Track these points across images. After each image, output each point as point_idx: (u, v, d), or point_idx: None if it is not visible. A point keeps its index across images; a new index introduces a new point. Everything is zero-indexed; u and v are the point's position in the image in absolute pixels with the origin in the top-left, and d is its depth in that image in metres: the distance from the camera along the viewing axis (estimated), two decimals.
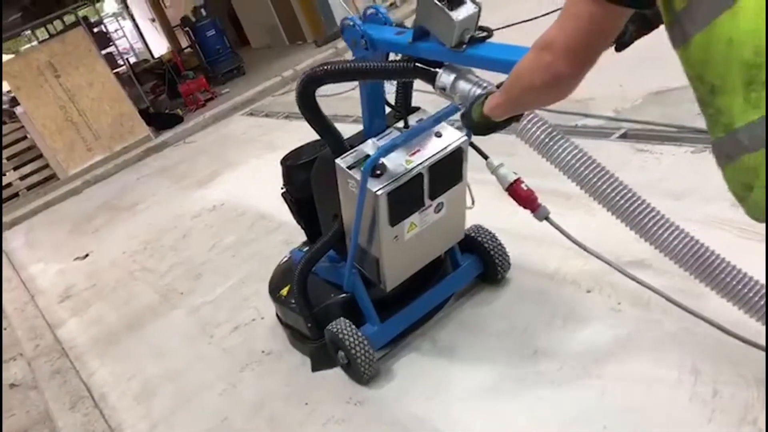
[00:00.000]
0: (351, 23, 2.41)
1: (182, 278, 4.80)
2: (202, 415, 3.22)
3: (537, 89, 1.42)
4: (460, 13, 1.88)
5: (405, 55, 2.21)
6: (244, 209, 5.48)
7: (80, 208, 8.20)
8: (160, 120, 10.45)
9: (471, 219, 3.06)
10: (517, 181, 2.47)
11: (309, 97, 2.53)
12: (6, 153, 9.92)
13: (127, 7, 19.03)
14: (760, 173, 1.17)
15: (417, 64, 2.15)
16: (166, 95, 12.25)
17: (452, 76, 2.01)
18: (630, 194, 1.81)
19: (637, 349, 2.54)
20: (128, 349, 4.16)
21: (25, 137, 10.06)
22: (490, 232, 3.16)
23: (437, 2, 1.89)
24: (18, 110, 9.96)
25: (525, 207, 2.47)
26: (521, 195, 2.46)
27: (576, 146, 1.89)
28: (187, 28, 13.11)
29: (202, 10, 12.65)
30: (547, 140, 1.87)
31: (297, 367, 3.25)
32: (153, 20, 19.29)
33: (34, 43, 13.00)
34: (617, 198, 1.83)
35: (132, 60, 16.01)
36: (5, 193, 9.75)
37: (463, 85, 1.98)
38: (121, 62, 12.91)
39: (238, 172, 6.62)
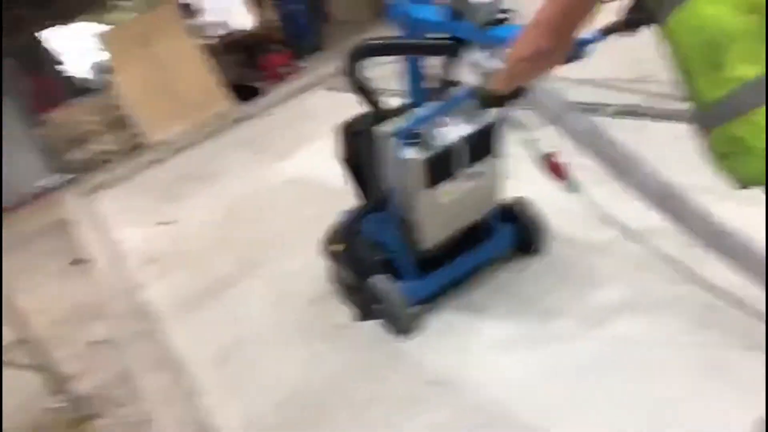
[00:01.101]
0: (399, 2, 2.65)
1: (261, 248, 4.88)
2: (277, 385, 3.27)
3: (525, 60, 1.60)
4: None
5: (444, 32, 2.45)
6: (322, 183, 5.49)
7: (166, 175, 8.43)
8: (242, 92, 10.59)
9: (512, 189, 3.32)
10: (551, 154, 2.58)
11: (355, 69, 2.76)
12: (99, 120, 10.27)
13: None
14: (733, 143, 1.36)
15: (451, 41, 2.39)
16: (249, 68, 12.40)
17: (479, 54, 2.23)
18: (625, 152, 2.10)
19: (649, 311, 2.87)
20: (207, 315, 4.27)
21: (116, 105, 10.40)
22: (531, 205, 3.37)
23: None
24: (111, 79, 10.30)
25: (557, 179, 2.59)
26: (554, 167, 2.58)
27: (581, 117, 2.17)
28: (273, 1, 13.22)
29: None
30: (555, 109, 2.17)
31: (372, 341, 3.26)
32: None
33: (129, 15, 13.39)
34: (614, 155, 2.12)
35: (218, 32, 16.27)
36: (95, 159, 10.13)
37: (488, 62, 2.18)
38: (207, 34, 13.15)
39: (316, 146, 6.61)
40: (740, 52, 1.29)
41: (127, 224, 6.91)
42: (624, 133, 2.42)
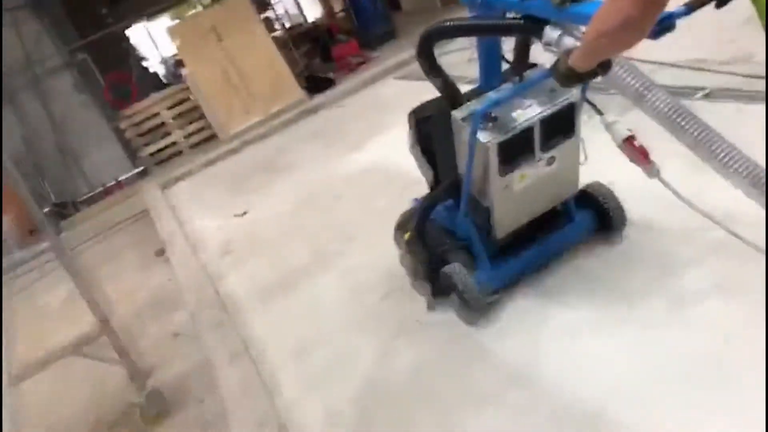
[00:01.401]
0: None
1: (334, 240, 4.85)
2: (354, 380, 3.22)
3: (610, 34, 1.50)
4: None
5: (518, 12, 2.31)
6: (395, 174, 5.43)
7: (238, 167, 8.54)
8: (313, 83, 10.63)
9: (588, 174, 3.17)
10: (631, 137, 2.50)
11: (428, 52, 2.68)
12: (172, 113, 10.50)
13: None
14: None
15: (526, 20, 2.25)
16: (320, 59, 12.45)
17: (557, 32, 2.11)
18: (714, 137, 1.98)
19: (737, 295, 2.71)
20: (282, 307, 4.26)
21: (189, 98, 10.60)
22: (609, 189, 3.23)
23: None
24: (183, 72, 10.51)
25: (637, 163, 2.50)
26: (634, 151, 2.49)
27: (665, 93, 2.04)
28: None
29: None
30: (638, 86, 2.05)
31: (447, 335, 3.18)
32: None
33: (199, 8, 13.64)
34: (701, 137, 2.00)
35: (287, 24, 16.41)
36: (169, 151, 10.37)
37: (567, 41, 2.07)
38: (278, 26, 13.27)
39: (389, 137, 6.57)
40: None
41: (203, 216, 7.02)
42: (715, 116, 2.25)
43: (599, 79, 1.98)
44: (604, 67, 1.85)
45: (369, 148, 6.62)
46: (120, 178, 10.21)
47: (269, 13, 13.31)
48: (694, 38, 5.00)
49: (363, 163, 6.22)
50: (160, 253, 6.45)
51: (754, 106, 4.08)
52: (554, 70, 1.94)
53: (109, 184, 10.15)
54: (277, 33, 12.84)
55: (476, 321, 3.15)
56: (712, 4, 1.83)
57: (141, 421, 3.64)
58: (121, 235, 8.00)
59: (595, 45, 1.62)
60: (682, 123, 2.07)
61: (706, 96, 4.43)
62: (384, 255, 4.19)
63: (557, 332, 2.94)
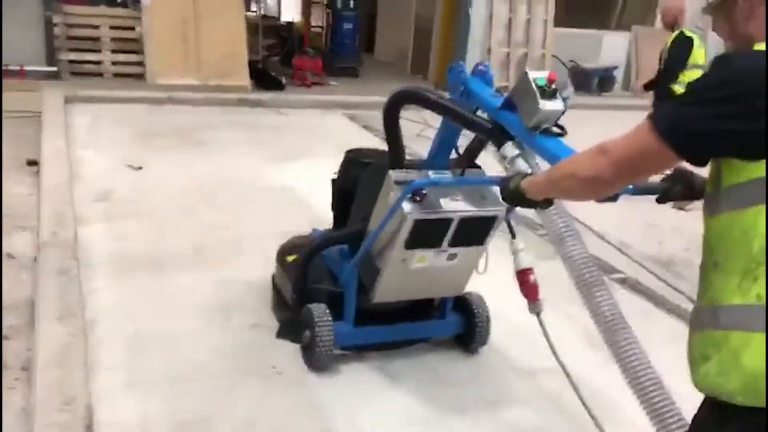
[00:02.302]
0: (460, 69, 2.69)
1: (225, 245, 4.47)
2: (184, 399, 2.86)
3: (578, 179, 1.60)
4: (547, 105, 2.13)
5: (488, 115, 2.47)
6: (311, 203, 5.16)
7: (153, 119, 7.97)
8: (264, 79, 10.26)
9: (476, 284, 3.28)
10: (528, 270, 2.65)
11: (396, 109, 2.87)
12: (112, 33, 9.80)
13: None
14: (721, 350, 1.40)
15: (494, 127, 2.41)
16: (280, 59, 12.12)
17: (516, 152, 2.28)
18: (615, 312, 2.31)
19: None
20: (141, 287, 3.82)
21: (134, 29, 9.94)
22: (486, 307, 3.35)
23: (535, 87, 2.14)
24: (144, 2, 9.85)
25: (524, 295, 2.65)
26: (526, 283, 2.63)
27: (583, 247, 2.40)
28: (329, 10, 13.04)
29: (352, 1, 12.56)
30: (563, 230, 2.41)
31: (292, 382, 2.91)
32: None
33: None
34: (601, 304, 2.33)
35: (262, 12, 15.99)
36: (91, 68, 9.62)
37: (521, 164, 2.25)
38: (254, 8, 12.87)
39: (314, 163, 6.27)
40: None
41: (96, 149, 6.44)
42: (622, 305, 2.39)
43: (533, 210, 2.11)
44: (549, 202, 1.95)
45: (294, 167, 6.32)
46: (25, 67, 9.32)
47: None
48: (629, 223, 5.22)
49: (284, 179, 5.92)
50: (33, 163, 5.81)
51: (660, 313, 4.13)
52: (504, 184, 1.97)
53: (10, 67, 9.23)
54: (250, 15, 12.44)
55: (317, 369, 3.12)
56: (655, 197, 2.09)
57: None
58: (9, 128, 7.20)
59: (559, 182, 1.71)
60: (593, 285, 2.37)
61: (622, 281, 4.47)
62: (267, 282, 3.86)
63: (377, 411, 2.94)
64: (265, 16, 14.73)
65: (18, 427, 2.67)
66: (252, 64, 10.29)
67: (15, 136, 6.71)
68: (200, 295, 3.76)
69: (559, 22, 11.95)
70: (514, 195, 1.92)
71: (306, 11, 17.62)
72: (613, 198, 1.83)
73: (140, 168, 5.97)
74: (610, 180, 1.54)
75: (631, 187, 1.95)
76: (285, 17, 18.65)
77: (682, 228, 5.31)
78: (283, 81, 10.44)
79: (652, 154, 1.44)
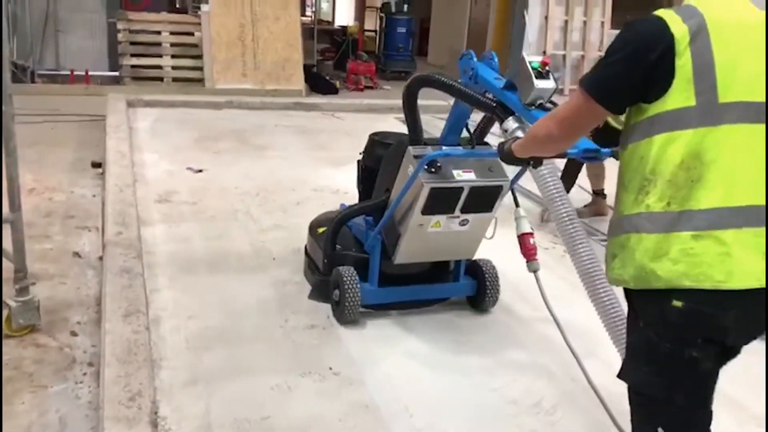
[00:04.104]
0: (469, 57, 3.07)
1: (282, 244, 4.54)
2: (244, 399, 2.91)
3: (537, 138, 2.06)
4: (541, 84, 2.56)
5: (495, 96, 2.88)
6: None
7: (213, 124, 8.15)
8: (318, 83, 10.39)
9: (487, 251, 3.70)
10: (529, 233, 2.98)
11: (414, 91, 3.29)
12: (172, 39, 10.06)
13: None
14: (623, 250, 1.82)
15: (497, 104, 2.86)
16: (334, 64, 12.24)
17: (516, 125, 2.73)
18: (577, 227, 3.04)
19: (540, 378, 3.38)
20: (201, 287, 3.91)
21: (193, 34, 10.18)
22: (495, 272, 3.73)
23: (530, 69, 2.55)
24: (203, 8, 10.08)
25: (523, 255, 2.97)
26: (525, 245, 2.96)
27: (570, 206, 3.11)
28: (382, 14, 13.12)
29: (405, 5, 12.61)
30: (553, 192, 3.10)
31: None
32: None
33: None
34: (581, 252, 2.98)
35: (318, 17, 16.19)
36: (151, 73, 9.88)
37: (518, 132, 2.67)
38: (309, 13, 13.03)
39: None
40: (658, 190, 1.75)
41: (158, 152, 6.62)
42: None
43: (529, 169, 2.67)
44: (535, 162, 2.41)
45: (349, 170, 6.36)
46: (90, 72, 9.64)
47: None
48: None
49: (338, 182, 5.97)
50: (98, 165, 6.00)
51: None
52: (501, 147, 2.31)
53: (76, 72, 9.56)
54: (306, 19, 12.61)
55: (345, 323, 3.51)
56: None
57: (3, 323, 3.22)
58: (66, 128, 7.46)
59: (527, 144, 2.16)
60: (575, 238, 2.98)
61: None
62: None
63: (392, 353, 3.36)
64: (319, 21, 14.91)
65: (85, 420, 2.77)
66: (307, 69, 10.42)
67: (80, 139, 6.96)
68: (258, 296, 3.83)
69: (615, 24, 11.77)
70: (507, 155, 2.27)
71: (360, 15, 17.80)
72: (598, 158, 2.43)
73: (200, 171, 6.11)
74: (558, 137, 1.94)
75: (611, 149, 2.39)
76: (339, 21, 18.90)
77: None
78: (338, 85, 10.55)
79: (584, 110, 1.83)
